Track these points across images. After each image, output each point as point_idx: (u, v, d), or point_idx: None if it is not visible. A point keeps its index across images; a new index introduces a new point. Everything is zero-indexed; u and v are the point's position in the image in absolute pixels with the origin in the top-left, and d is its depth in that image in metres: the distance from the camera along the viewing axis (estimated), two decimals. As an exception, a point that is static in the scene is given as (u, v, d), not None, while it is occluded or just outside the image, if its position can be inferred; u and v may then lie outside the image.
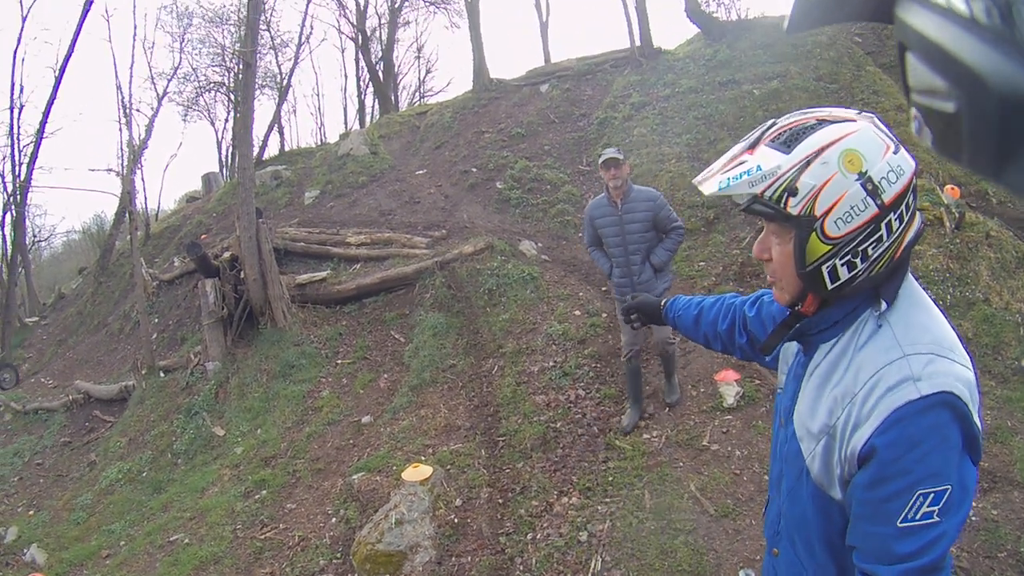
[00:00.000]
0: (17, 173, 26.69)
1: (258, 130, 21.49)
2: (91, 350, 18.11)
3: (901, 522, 1.58)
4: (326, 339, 10.92)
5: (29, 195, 26.40)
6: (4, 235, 28.59)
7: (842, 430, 1.68)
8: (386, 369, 9.70)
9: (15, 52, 28.60)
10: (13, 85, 28.21)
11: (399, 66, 30.09)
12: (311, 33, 30.94)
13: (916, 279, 1.74)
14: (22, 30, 28.15)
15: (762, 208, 1.68)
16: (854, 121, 1.64)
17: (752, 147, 1.71)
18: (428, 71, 36.47)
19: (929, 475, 1.56)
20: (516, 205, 12.12)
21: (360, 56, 27.90)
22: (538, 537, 5.46)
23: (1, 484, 12.49)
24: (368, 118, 27.74)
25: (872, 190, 1.58)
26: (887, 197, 1.58)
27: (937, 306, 1.72)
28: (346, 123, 34.84)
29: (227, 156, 29.18)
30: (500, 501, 6.11)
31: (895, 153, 1.59)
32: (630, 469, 5.93)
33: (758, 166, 1.68)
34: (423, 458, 7.01)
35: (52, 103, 24.46)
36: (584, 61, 16.96)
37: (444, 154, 14.74)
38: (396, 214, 13.32)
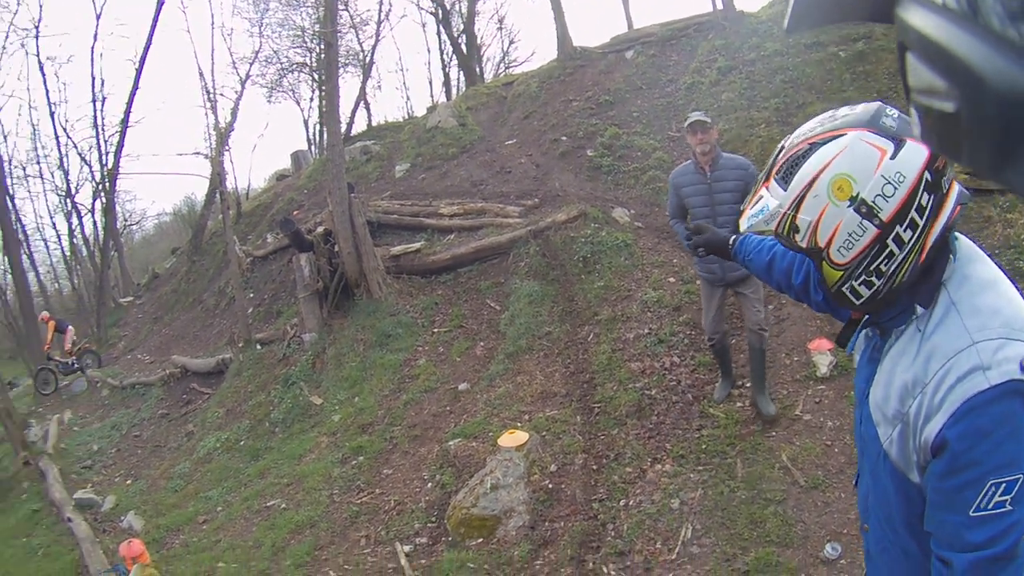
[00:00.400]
0: (104, 162, 27.78)
1: (344, 107, 21.79)
2: (186, 326, 18.77)
3: (974, 511, 1.59)
4: (422, 308, 11.02)
5: (117, 182, 27.43)
6: (95, 221, 29.73)
7: (914, 419, 1.69)
8: (482, 337, 9.76)
9: (92, 48, 29.71)
10: (93, 79, 29.33)
11: (481, 38, 30.06)
12: (390, 10, 31.07)
13: (987, 253, 1.71)
14: (97, 27, 29.29)
15: (783, 241, 1.78)
16: (843, 136, 1.62)
17: (767, 179, 1.76)
18: (511, 42, 36.19)
19: (1001, 465, 1.56)
20: (607, 172, 12.00)
21: (441, 30, 27.95)
22: (630, 504, 5.47)
23: (99, 456, 13.04)
24: (454, 91, 27.78)
25: (867, 212, 1.59)
26: (886, 214, 1.58)
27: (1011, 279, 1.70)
28: (432, 96, 35.02)
29: (314, 134, 29.67)
30: (594, 467, 6.13)
31: (892, 158, 1.57)
32: (723, 437, 5.88)
33: (766, 206, 1.74)
34: (519, 424, 7.08)
35: (135, 93, 25.45)
36: (667, 26, 16.54)
37: (533, 123, 14.68)
38: (488, 184, 13.36)
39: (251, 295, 15.57)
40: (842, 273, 1.68)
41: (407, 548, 6.27)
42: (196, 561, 7.45)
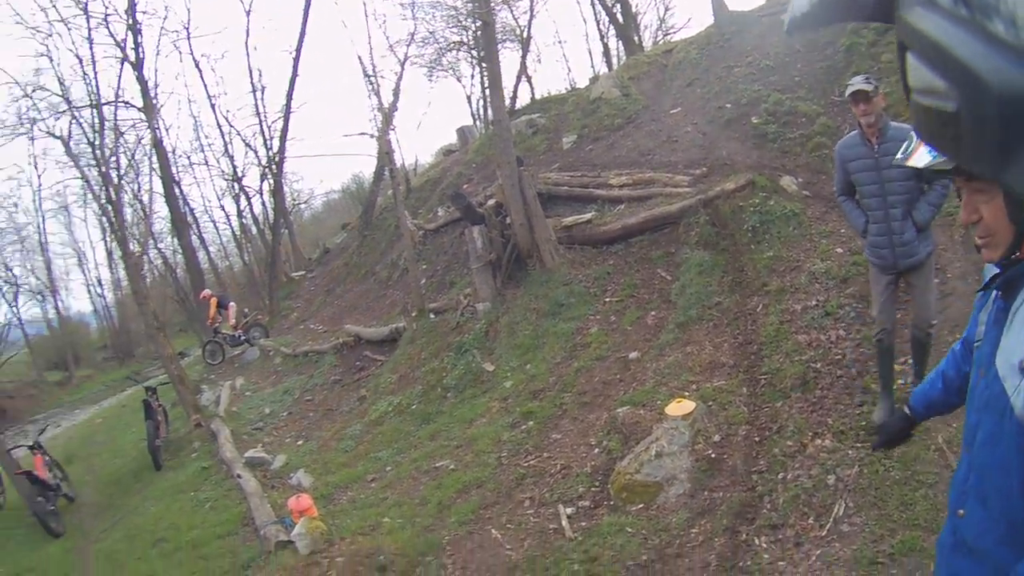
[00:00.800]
0: (269, 146, 29.22)
1: (506, 82, 21.93)
2: (359, 297, 19.56)
3: None
4: (594, 278, 11.16)
5: (284, 165, 28.75)
6: (263, 201, 31.45)
7: None
8: (653, 306, 9.83)
9: (246, 43, 31.35)
10: (251, 70, 31.17)
11: (636, 6, 29.53)
12: (542, -16, 31.08)
13: None
14: (248, 23, 30.70)
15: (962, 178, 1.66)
16: None
17: None
18: (667, 8, 35.61)
19: None
20: (773, 140, 11.71)
21: (595, 1, 27.72)
22: (788, 477, 5.48)
23: (271, 419, 13.85)
24: (615, 60, 27.51)
25: None
26: None
27: None
28: (593, 67, 34.81)
29: (478, 109, 29.98)
30: (756, 439, 6.15)
31: None
32: (883, 414, 5.79)
33: None
34: (686, 394, 7.14)
35: (294, 81, 26.75)
36: (820, -15, 15.86)
37: (696, 91, 14.41)
38: (655, 154, 13.29)
39: (424, 267, 16.10)
40: None
41: (569, 510, 6.46)
42: (362, 516, 7.84)
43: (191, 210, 33.13)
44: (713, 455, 6.18)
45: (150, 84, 23.57)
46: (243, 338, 20.54)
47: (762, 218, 9.62)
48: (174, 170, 29.75)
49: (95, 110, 19.96)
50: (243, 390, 16.73)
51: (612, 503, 6.30)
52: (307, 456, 11.14)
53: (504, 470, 7.77)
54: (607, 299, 10.64)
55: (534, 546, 6.18)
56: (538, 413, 8.63)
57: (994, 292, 1.83)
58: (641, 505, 6.04)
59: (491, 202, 12.99)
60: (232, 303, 21.25)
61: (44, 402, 33.53)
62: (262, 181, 31.18)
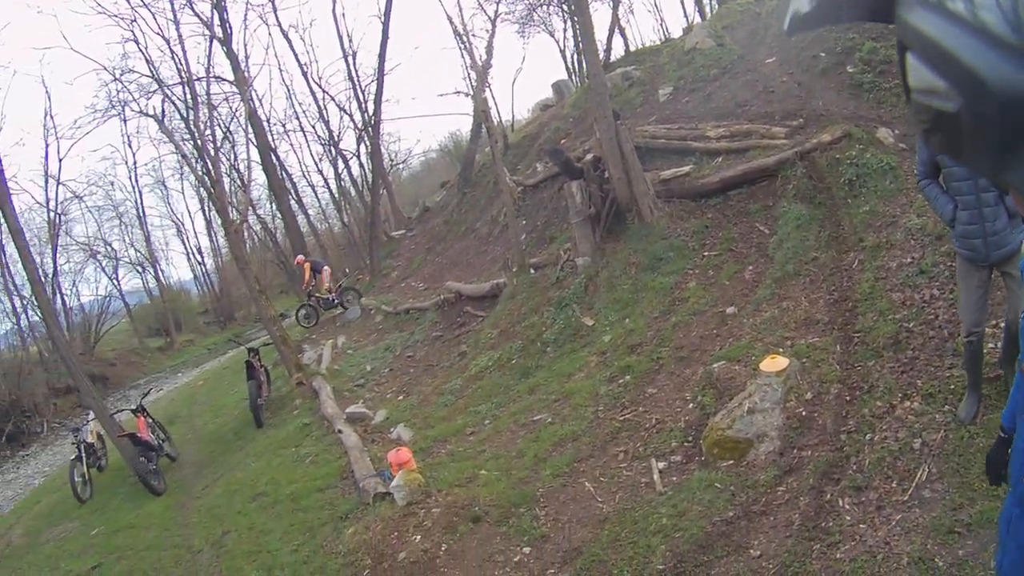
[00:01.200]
0: (364, 109, 29.87)
1: (599, 34, 21.70)
2: (459, 254, 19.85)
3: None
4: (692, 232, 11.16)
5: (381, 127, 29.19)
6: (361, 164, 32.15)
7: None
8: (751, 261, 9.84)
9: (333, 11, 31.97)
10: (340, 37, 31.51)
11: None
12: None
13: None
14: None
15: None
16: None
17: None
18: (760, -46, 34.59)
19: None
20: (869, 90, 11.42)
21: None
22: (875, 439, 5.48)
23: (372, 375, 14.26)
24: (708, 9, 26.91)
25: None
26: None
27: None
28: (686, 17, 34.10)
29: (573, 63, 29.99)
30: (847, 398, 6.16)
31: None
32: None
33: None
34: (781, 350, 7.16)
35: (385, 44, 27.05)
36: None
37: (791, 39, 14.17)
38: (751, 105, 13.11)
39: (523, 222, 16.24)
40: None
41: (661, 465, 6.65)
42: (459, 468, 8.13)
43: (288, 176, 34.30)
44: (804, 413, 6.23)
45: (240, 58, 24.18)
46: (336, 301, 21.31)
47: (858, 171, 9.47)
48: (270, 138, 30.76)
49: (187, 87, 20.69)
50: (344, 348, 17.31)
51: (703, 458, 6.43)
52: (407, 411, 11.48)
53: (600, 424, 7.94)
54: (705, 253, 10.64)
55: (625, 499, 6.38)
56: (635, 367, 8.74)
57: None
58: (731, 461, 6.16)
59: (589, 156, 12.95)
60: (326, 267, 22.01)
61: (146, 367, 35.32)
62: (359, 144, 32.12)
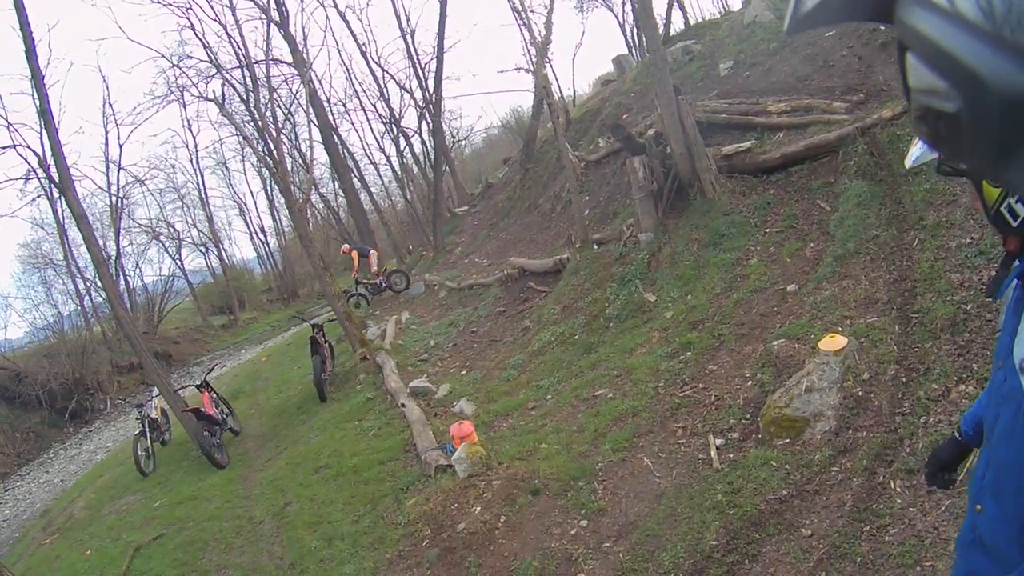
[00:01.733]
0: (424, 87, 30.07)
1: (658, 8, 21.53)
2: (523, 230, 19.94)
3: None
4: (754, 208, 11.16)
5: (442, 104, 29.28)
6: (423, 140, 32.54)
7: None
8: (812, 238, 9.79)
9: None
10: (397, 16, 31.66)
11: (786, -78, 28.18)
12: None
13: None
14: None
15: (946, 165, 1.66)
16: None
17: None
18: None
19: None
20: (927, 64, 11.11)
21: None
22: (930, 422, 5.50)
23: (435, 350, 14.48)
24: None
25: None
26: None
27: None
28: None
29: (633, 37, 29.64)
30: (903, 380, 6.15)
31: None
32: (1030, 365, 5.60)
33: None
34: (840, 329, 7.15)
35: (444, 22, 27.12)
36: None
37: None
38: (812, 79, 12.96)
39: (586, 198, 16.32)
40: (1000, 191, 1.55)
41: (719, 441, 6.74)
42: (520, 442, 8.33)
43: (351, 154, 34.67)
44: (860, 393, 6.24)
45: (298, 40, 24.42)
46: (384, 285, 21.52)
47: (919, 148, 9.25)
48: (331, 117, 31.10)
49: (246, 70, 20.97)
50: (408, 324, 17.61)
51: (760, 436, 6.52)
52: (470, 385, 11.70)
53: (660, 399, 8.06)
54: (767, 230, 10.63)
55: (682, 475, 6.51)
56: (696, 344, 8.83)
57: (1015, 282, 1.78)
58: (787, 440, 6.23)
59: (651, 132, 13.01)
60: (372, 252, 22.17)
61: (209, 345, 36.36)
62: (420, 121, 32.51)
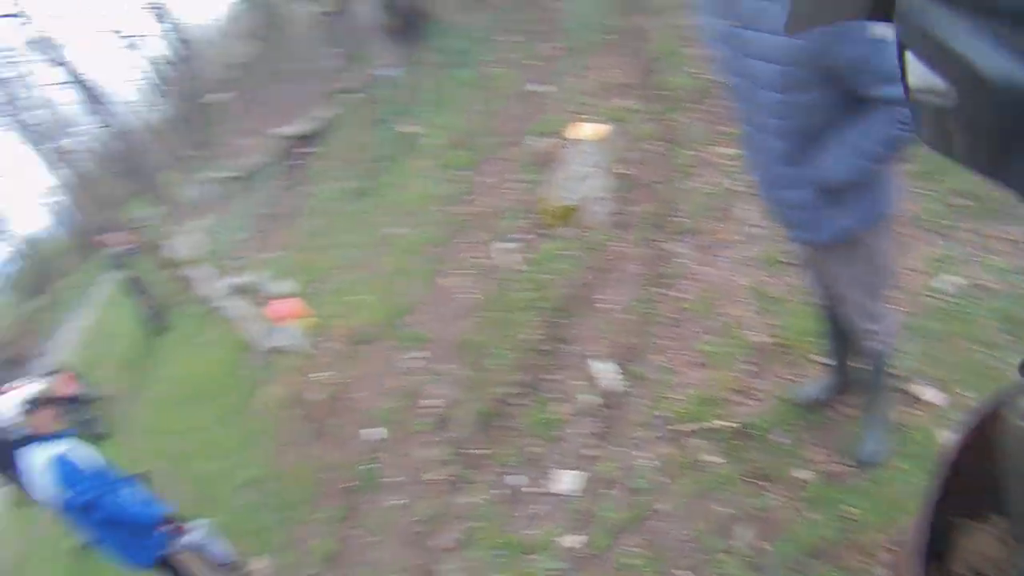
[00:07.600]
0: None
1: None
2: (275, 97, 19.20)
3: None
4: (487, 20, 11.28)
5: None
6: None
7: None
8: (549, 37, 9.87)
9: None
10: None
11: None
12: None
13: None
14: None
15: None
16: None
17: None
18: None
19: None
20: None
21: None
22: (693, 186, 5.87)
23: (243, 244, 14.30)
24: None
25: None
26: None
27: None
28: None
29: None
30: (663, 152, 6.45)
31: None
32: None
33: None
34: (592, 117, 7.27)
35: None
36: None
37: None
38: None
39: (334, 50, 15.82)
40: None
41: (511, 245, 6.99)
42: (340, 302, 8.58)
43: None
44: (628, 172, 6.54)
45: None
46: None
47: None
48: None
49: None
50: (203, 230, 16.98)
51: (544, 231, 6.79)
52: (283, 264, 11.61)
53: (446, 222, 8.28)
54: (503, 38, 10.74)
55: (490, 286, 6.79)
56: (462, 162, 9.05)
57: None
58: (569, 227, 6.51)
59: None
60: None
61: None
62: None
